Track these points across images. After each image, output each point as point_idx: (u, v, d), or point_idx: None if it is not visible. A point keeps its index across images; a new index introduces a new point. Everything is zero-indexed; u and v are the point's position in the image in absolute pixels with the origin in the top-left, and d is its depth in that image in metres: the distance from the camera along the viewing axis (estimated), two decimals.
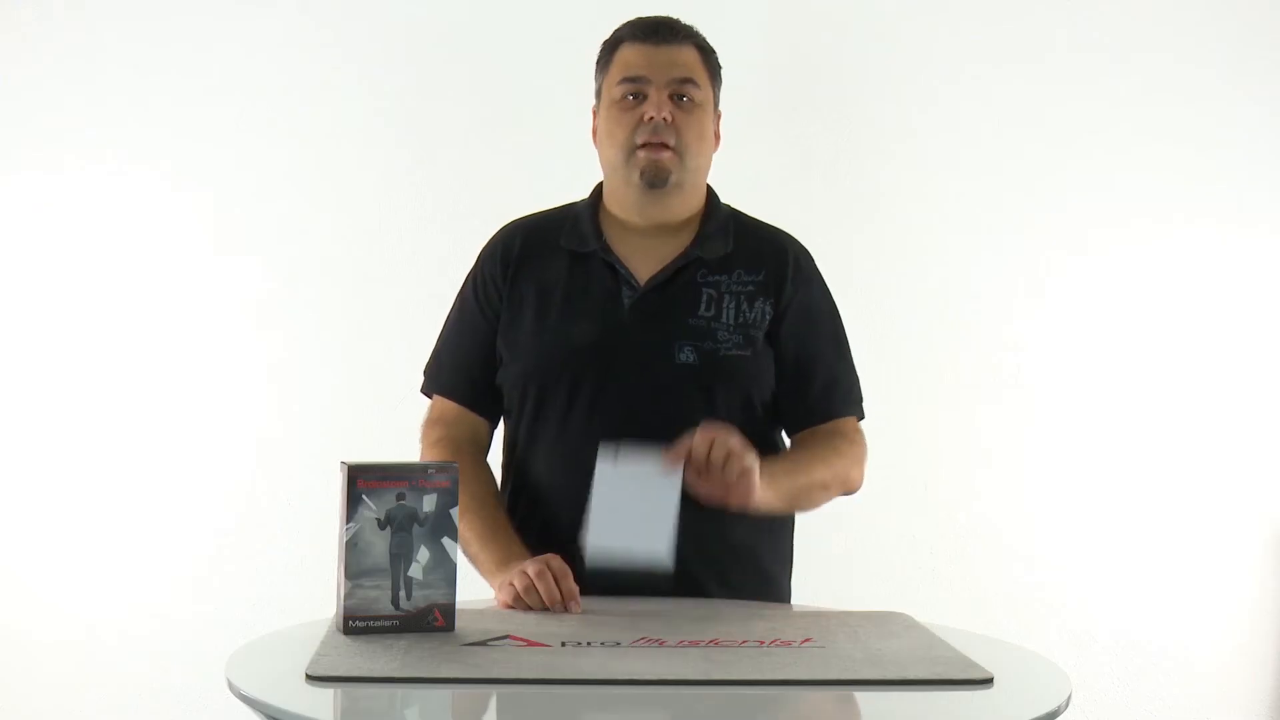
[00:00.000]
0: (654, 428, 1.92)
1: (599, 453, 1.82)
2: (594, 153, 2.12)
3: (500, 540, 1.97)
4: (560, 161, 2.19)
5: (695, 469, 1.81)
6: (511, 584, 1.85)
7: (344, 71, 3.05)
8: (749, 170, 2.91)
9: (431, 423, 2.13)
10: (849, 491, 2.11)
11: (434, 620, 1.65)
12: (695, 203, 2.11)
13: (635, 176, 2.04)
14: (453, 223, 2.26)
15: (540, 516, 2.04)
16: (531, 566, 1.85)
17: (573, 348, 2.02)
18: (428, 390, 2.17)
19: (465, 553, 1.94)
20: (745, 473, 1.82)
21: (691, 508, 1.92)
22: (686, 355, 1.99)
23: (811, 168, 3.09)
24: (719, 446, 1.82)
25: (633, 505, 1.78)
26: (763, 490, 1.86)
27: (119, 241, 3.03)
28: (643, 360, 2.00)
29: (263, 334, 3.04)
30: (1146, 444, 3.13)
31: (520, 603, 1.83)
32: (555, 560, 1.87)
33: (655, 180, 2.03)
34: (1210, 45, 3.13)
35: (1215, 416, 3.14)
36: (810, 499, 2.06)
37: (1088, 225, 3.12)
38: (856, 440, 2.10)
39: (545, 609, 1.81)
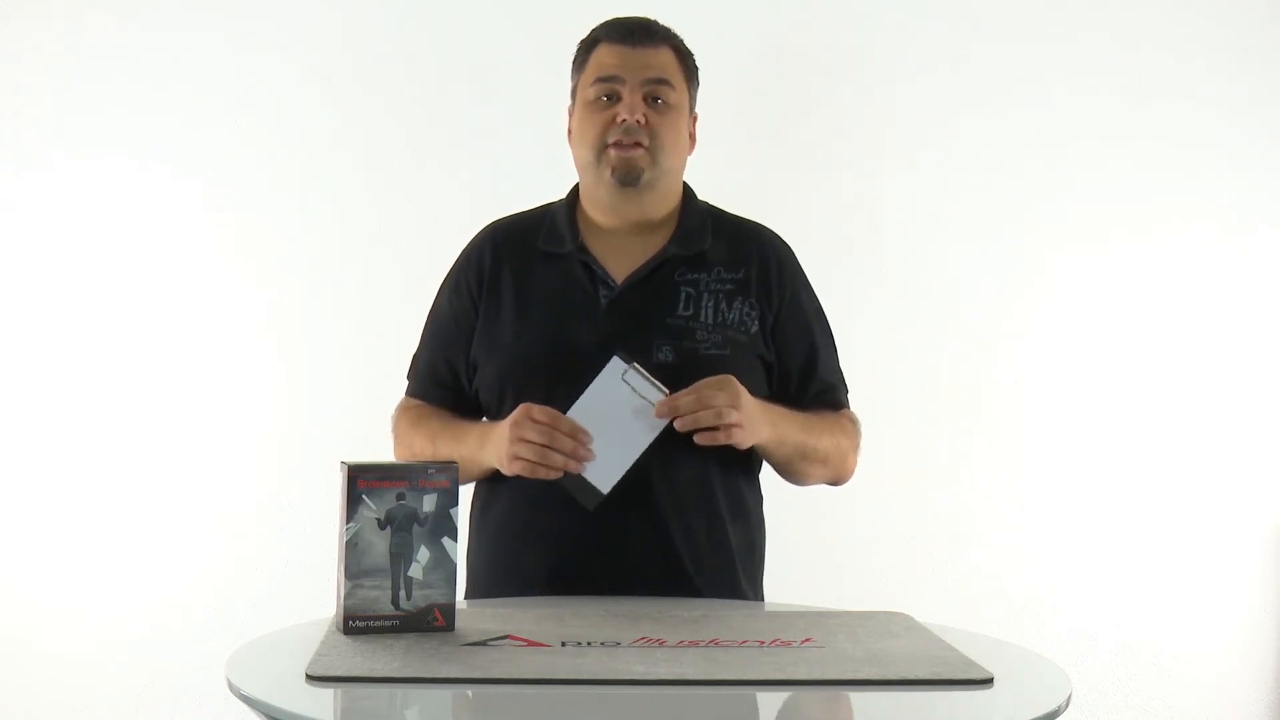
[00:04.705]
0: None
1: (614, 355, 1.88)
2: None
3: (471, 426, 2.03)
4: (565, 162, 2.19)
5: (683, 422, 1.87)
6: (518, 457, 1.87)
7: (351, 75, 3.05)
8: (740, 167, 2.92)
9: (402, 409, 2.17)
10: (841, 479, 2.12)
11: (434, 620, 1.65)
12: (671, 202, 2.10)
13: (607, 174, 2.03)
14: (459, 224, 2.26)
15: (519, 518, 2.04)
16: (528, 431, 1.86)
17: (550, 349, 2.01)
18: (408, 392, 2.18)
19: (452, 456, 1.96)
20: (731, 429, 1.88)
21: (684, 508, 1.93)
22: (665, 355, 1.98)
23: (806, 163, 3.09)
24: (706, 401, 1.86)
25: (608, 426, 1.87)
26: (766, 429, 1.94)
27: (122, 244, 3.03)
28: None
29: (263, 335, 3.04)
30: (1146, 444, 3.13)
31: (537, 469, 1.87)
32: (535, 410, 1.88)
33: (627, 178, 2.02)
34: (1210, 45, 3.13)
35: (1215, 417, 3.14)
36: (806, 463, 2.06)
37: (1086, 225, 3.12)
38: (856, 431, 2.12)
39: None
